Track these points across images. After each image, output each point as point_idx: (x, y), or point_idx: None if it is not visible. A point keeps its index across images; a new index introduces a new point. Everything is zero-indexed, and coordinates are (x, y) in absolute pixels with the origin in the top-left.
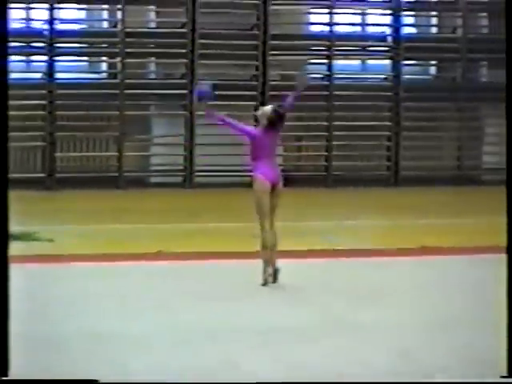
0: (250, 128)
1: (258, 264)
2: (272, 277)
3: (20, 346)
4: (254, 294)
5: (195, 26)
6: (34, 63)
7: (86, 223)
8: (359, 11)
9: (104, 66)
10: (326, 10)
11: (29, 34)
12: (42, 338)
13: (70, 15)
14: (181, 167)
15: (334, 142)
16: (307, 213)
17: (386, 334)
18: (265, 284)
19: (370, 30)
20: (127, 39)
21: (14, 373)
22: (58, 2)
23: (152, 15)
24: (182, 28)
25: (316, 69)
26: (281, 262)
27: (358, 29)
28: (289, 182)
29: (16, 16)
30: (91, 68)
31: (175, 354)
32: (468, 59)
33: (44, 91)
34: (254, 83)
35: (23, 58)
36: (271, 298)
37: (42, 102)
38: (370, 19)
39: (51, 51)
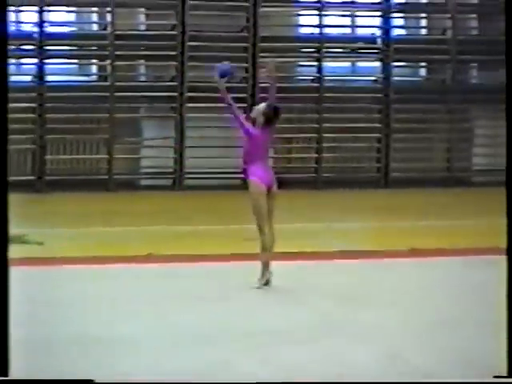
0: (249, 125)
1: (248, 266)
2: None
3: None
4: (244, 296)
5: (185, 29)
6: (24, 66)
7: (76, 226)
8: (349, 13)
9: (94, 69)
10: (316, 12)
11: (18, 36)
12: (31, 341)
13: (60, 18)
14: (171, 169)
15: (324, 144)
16: (297, 215)
17: (379, 335)
18: (266, 284)
19: (360, 31)
20: (117, 42)
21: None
22: (48, 5)
23: (142, 17)
24: (171, 30)
25: (306, 71)
26: (271, 265)
27: (348, 31)
28: (279, 184)
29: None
30: (81, 71)
31: (166, 355)
32: (458, 61)
33: (34, 94)
34: (244, 85)
35: (13, 60)
36: (262, 300)
37: (31, 104)
38: (359, 21)
39: (41, 54)
